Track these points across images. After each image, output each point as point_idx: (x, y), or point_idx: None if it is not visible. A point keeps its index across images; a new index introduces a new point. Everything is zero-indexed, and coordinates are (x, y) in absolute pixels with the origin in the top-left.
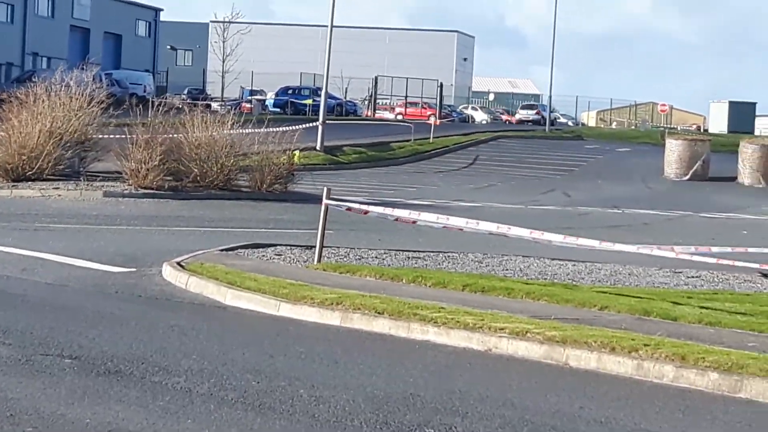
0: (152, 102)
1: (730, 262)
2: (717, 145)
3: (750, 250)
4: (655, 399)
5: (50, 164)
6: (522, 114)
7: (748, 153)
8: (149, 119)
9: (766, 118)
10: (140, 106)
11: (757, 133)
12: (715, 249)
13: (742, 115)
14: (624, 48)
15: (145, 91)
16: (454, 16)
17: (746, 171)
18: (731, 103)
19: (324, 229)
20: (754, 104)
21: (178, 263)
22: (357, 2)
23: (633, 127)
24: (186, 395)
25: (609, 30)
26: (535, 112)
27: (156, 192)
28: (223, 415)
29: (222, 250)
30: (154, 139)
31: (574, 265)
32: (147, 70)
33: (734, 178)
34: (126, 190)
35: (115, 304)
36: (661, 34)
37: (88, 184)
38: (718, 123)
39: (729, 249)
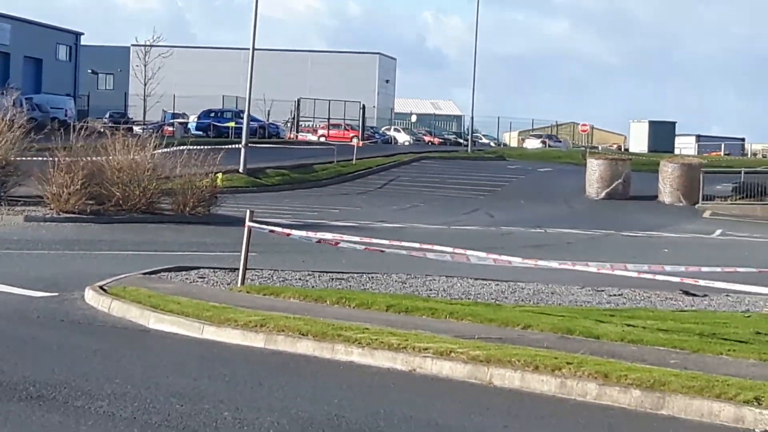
0: (74, 126)
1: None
2: (637, 164)
3: (669, 268)
4: (579, 417)
5: None
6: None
7: (668, 172)
8: (71, 143)
9: (685, 137)
10: (61, 130)
11: (676, 152)
12: (637, 267)
13: (662, 134)
14: (543, 69)
15: (66, 115)
16: (375, 37)
17: (666, 190)
18: (651, 122)
19: (247, 251)
20: (673, 123)
21: (101, 287)
22: (276, 25)
23: (555, 148)
24: (109, 419)
25: (528, 52)
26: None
27: (78, 216)
28: None
29: (145, 274)
30: (76, 163)
31: (498, 284)
32: (68, 94)
33: (655, 197)
34: (48, 214)
35: (37, 328)
36: (579, 55)
37: (9, 209)
38: (639, 142)
39: (653, 267)
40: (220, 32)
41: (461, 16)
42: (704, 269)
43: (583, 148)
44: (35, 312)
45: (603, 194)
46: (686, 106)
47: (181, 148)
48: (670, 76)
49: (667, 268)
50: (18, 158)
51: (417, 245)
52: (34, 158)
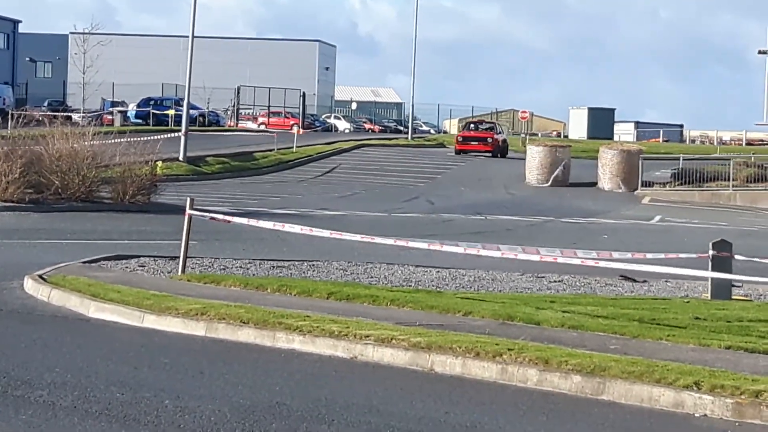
0: (12, 114)
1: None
2: (577, 151)
3: (614, 254)
4: (519, 403)
5: None
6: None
7: (607, 158)
8: (9, 131)
9: (624, 123)
10: (0, 118)
11: (615, 138)
12: (579, 253)
13: (601, 121)
14: (477, 56)
15: (4, 104)
16: (305, 25)
17: (606, 176)
18: (590, 109)
19: (188, 239)
20: (612, 110)
21: (40, 276)
22: (203, 12)
23: None
24: (49, 408)
25: (460, 38)
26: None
27: (17, 205)
28: (87, 427)
29: (84, 263)
30: (14, 152)
31: (438, 271)
32: (6, 83)
33: (594, 184)
34: None
35: None
36: (512, 42)
37: None
38: (578, 129)
39: (594, 254)
40: (146, 19)
41: (388, 2)
42: (649, 255)
43: (522, 135)
44: None
45: (545, 182)
46: (622, 92)
47: (121, 136)
48: (603, 62)
49: (615, 254)
50: None
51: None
52: None
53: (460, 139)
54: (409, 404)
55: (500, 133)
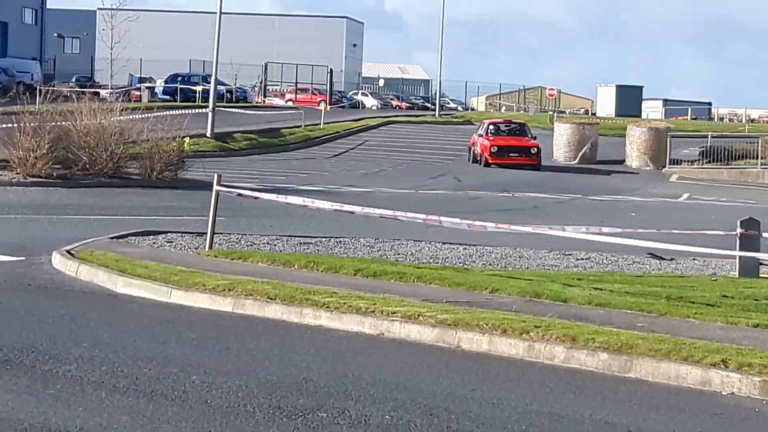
0: (40, 90)
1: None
2: (605, 129)
3: (641, 232)
4: (546, 380)
5: None
6: None
7: (635, 136)
8: (37, 107)
9: (652, 101)
10: (28, 94)
11: (643, 116)
12: (606, 229)
13: (629, 98)
14: (503, 34)
15: (32, 79)
16: (331, 1)
17: (634, 154)
18: (618, 87)
19: (215, 215)
20: (640, 88)
21: (68, 251)
22: None
23: (522, 112)
24: (77, 383)
25: (486, 15)
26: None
27: (45, 180)
28: (114, 402)
29: (112, 238)
30: (43, 127)
31: (465, 248)
32: (34, 58)
33: (622, 161)
34: (14, 178)
35: (4, 293)
36: (538, 19)
37: None
38: (606, 107)
39: (619, 230)
40: None
41: None
42: (676, 233)
43: (550, 113)
44: (1, 276)
45: (573, 159)
46: (649, 70)
47: (148, 112)
48: (630, 40)
49: (642, 232)
50: None
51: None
52: (0, 124)
53: (493, 149)
54: (436, 381)
55: (533, 136)
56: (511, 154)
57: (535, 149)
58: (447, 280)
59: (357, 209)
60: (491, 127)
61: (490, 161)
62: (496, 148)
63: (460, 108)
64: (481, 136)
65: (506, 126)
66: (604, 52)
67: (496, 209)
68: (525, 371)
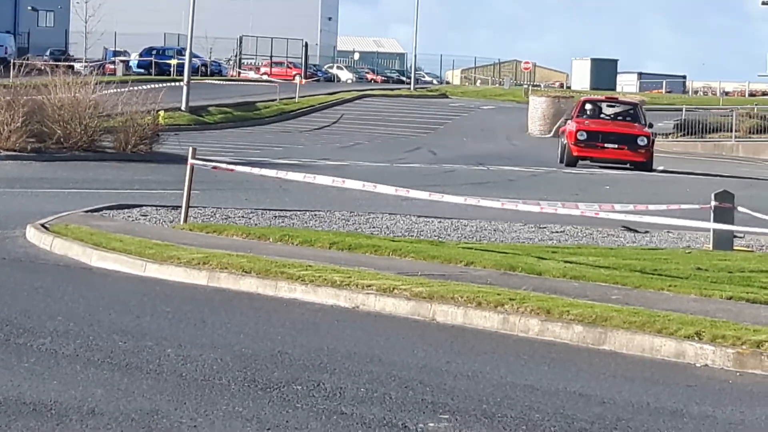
0: (14, 63)
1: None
2: None
3: (616, 206)
4: (521, 352)
5: None
6: None
7: None
8: (11, 81)
9: (627, 74)
10: (1, 67)
11: (618, 89)
12: (581, 205)
13: (604, 72)
14: (478, 6)
15: (6, 53)
16: None
17: None
18: (593, 60)
19: (190, 189)
20: (615, 61)
21: (42, 225)
22: None
23: (497, 85)
24: (51, 356)
25: None
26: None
27: (19, 154)
28: (89, 375)
29: (87, 212)
30: (17, 101)
31: (440, 222)
32: (8, 32)
33: None
34: None
35: None
36: None
37: None
38: (581, 80)
39: (595, 206)
40: None
41: None
42: (651, 207)
43: (525, 86)
44: None
45: (548, 132)
46: (624, 43)
47: (123, 86)
48: (605, 12)
49: (617, 206)
50: None
51: (360, 184)
52: None
53: (580, 136)
54: (411, 353)
55: (649, 123)
56: (607, 145)
57: (645, 140)
58: (422, 253)
59: (327, 180)
60: (588, 106)
61: (575, 154)
62: (584, 134)
63: (435, 81)
64: (569, 120)
65: (611, 106)
66: (580, 26)
67: (471, 182)
68: (500, 344)
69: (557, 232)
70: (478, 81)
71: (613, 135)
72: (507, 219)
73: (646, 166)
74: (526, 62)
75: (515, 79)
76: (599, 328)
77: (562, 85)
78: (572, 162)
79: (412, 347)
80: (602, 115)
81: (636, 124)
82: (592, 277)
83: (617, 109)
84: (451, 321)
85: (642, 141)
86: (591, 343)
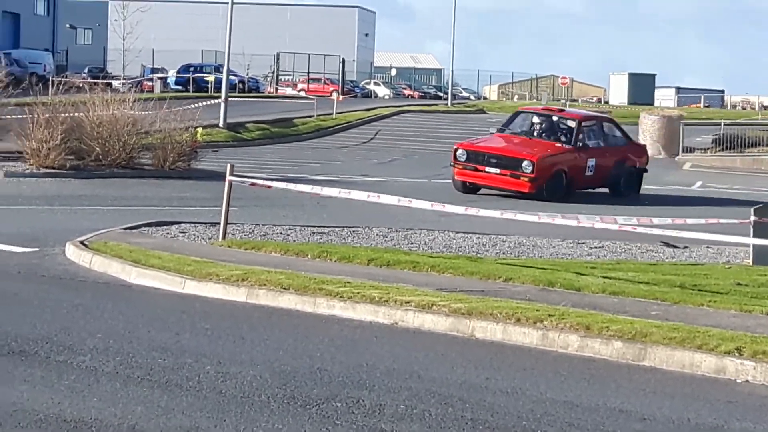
0: (52, 81)
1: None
2: (617, 117)
3: (655, 220)
4: (561, 369)
5: None
6: None
7: (648, 124)
8: (50, 98)
9: (665, 89)
10: (40, 85)
11: (656, 104)
12: (619, 219)
13: (641, 86)
14: (514, 21)
15: (45, 70)
16: None
17: (646, 142)
18: (631, 75)
19: (228, 205)
20: (653, 76)
21: (82, 242)
22: None
23: (535, 101)
24: (91, 374)
25: (497, 3)
26: None
27: (58, 171)
28: (129, 392)
29: (126, 229)
30: (55, 118)
31: (479, 237)
32: (47, 49)
33: None
34: (27, 169)
35: (18, 284)
36: (549, 6)
37: None
38: (619, 95)
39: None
40: None
41: None
42: (690, 221)
43: (563, 101)
44: (16, 267)
45: None
46: (661, 58)
47: (161, 103)
48: (642, 28)
49: (656, 220)
50: None
51: (395, 199)
52: (13, 114)
53: (461, 155)
54: (450, 370)
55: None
56: (489, 170)
57: (531, 166)
58: (461, 269)
59: (363, 195)
60: (518, 119)
61: (457, 178)
62: (465, 154)
63: (472, 97)
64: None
65: (545, 119)
66: (617, 41)
67: (507, 198)
68: (539, 360)
69: (596, 247)
70: (516, 96)
71: (494, 157)
72: (545, 234)
73: (536, 197)
74: (564, 77)
75: (552, 94)
76: (639, 344)
77: (599, 100)
78: (459, 187)
79: (452, 364)
80: (532, 130)
81: (556, 144)
82: (631, 293)
83: (550, 124)
84: (490, 337)
85: (528, 167)
86: (631, 359)
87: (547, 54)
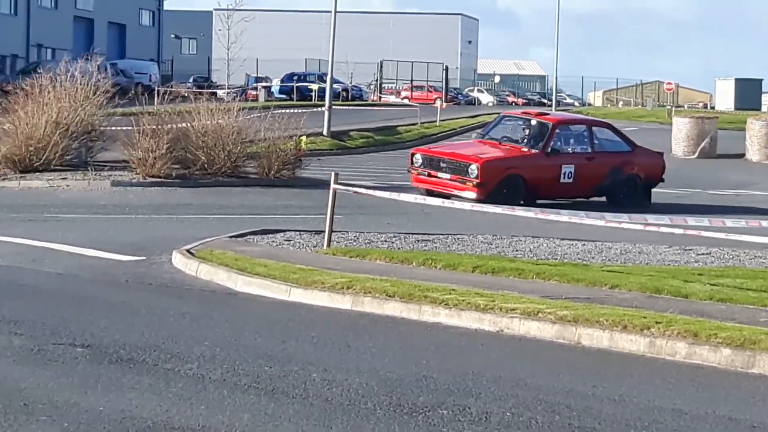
0: (158, 91)
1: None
2: (724, 123)
3: (764, 223)
4: (668, 376)
5: (57, 155)
6: None
7: (755, 130)
8: (155, 108)
9: None
10: (146, 95)
11: (764, 109)
12: (728, 223)
13: (748, 91)
14: (618, 26)
15: (150, 80)
16: None
17: (754, 148)
18: (737, 80)
19: (333, 213)
20: (760, 81)
21: (188, 251)
22: None
23: (639, 107)
24: (199, 381)
25: (600, 9)
26: None
27: (164, 180)
28: (236, 400)
29: (231, 237)
30: (161, 128)
31: (584, 244)
32: (152, 59)
33: (742, 155)
34: (134, 179)
35: (126, 292)
36: (653, 12)
37: (95, 174)
38: (725, 100)
39: (743, 223)
40: None
41: None
42: None
43: (668, 107)
44: (123, 276)
45: (692, 153)
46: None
47: (265, 111)
48: (747, 32)
49: (765, 223)
50: (103, 124)
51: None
52: (119, 124)
53: (416, 160)
54: (557, 377)
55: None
56: (440, 175)
57: (476, 170)
58: (566, 276)
59: (467, 206)
60: (501, 122)
61: (413, 183)
62: (420, 159)
63: (576, 103)
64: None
65: (521, 123)
66: (723, 45)
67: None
68: (646, 367)
69: (703, 254)
70: (620, 102)
71: (445, 161)
72: (651, 241)
73: (486, 202)
74: (669, 83)
75: (658, 100)
76: (748, 352)
77: (705, 106)
78: (423, 194)
79: (558, 371)
80: (510, 135)
81: (522, 149)
82: (739, 300)
83: (527, 129)
84: (596, 344)
85: (473, 171)
86: (739, 366)
87: (652, 60)
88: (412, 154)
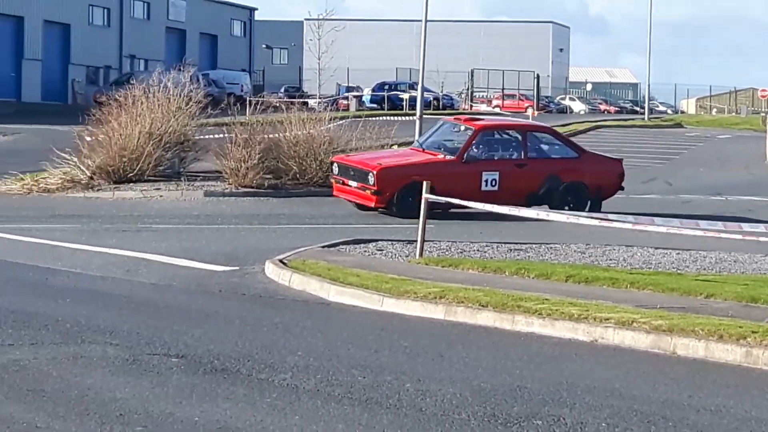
0: (249, 101)
1: None
2: None
3: None
4: (766, 386)
5: (150, 165)
6: None
7: None
8: (247, 118)
9: None
10: (238, 105)
11: None
12: None
13: None
14: (710, 33)
15: (242, 91)
16: (531, 6)
17: None
18: None
19: (425, 223)
20: None
21: (281, 261)
22: None
23: (733, 114)
24: (293, 391)
25: (692, 15)
26: None
27: (256, 190)
28: (330, 410)
29: (323, 247)
30: (253, 138)
31: (678, 253)
32: (243, 70)
33: None
34: (226, 189)
35: (219, 302)
36: (746, 18)
37: (188, 184)
38: None
39: None
40: (371, 2)
41: None
42: None
43: (762, 114)
44: (217, 286)
45: None
46: None
47: (356, 121)
48: None
49: None
50: (195, 134)
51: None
52: (211, 134)
53: (335, 169)
54: (652, 388)
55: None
56: (351, 183)
57: (373, 177)
58: (660, 285)
59: (562, 218)
60: (438, 132)
61: (335, 193)
62: (337, 167)
63: (669, 111)
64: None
65: (452, 129)
66: None
67: (708, 213)
68: (743, 377)
69: None
70: (714, 110)
71: (352, 170)
72: (747, 250)
73: (388, 212)
74: (763, 90)
75: (752, 107)
76: None
77: None
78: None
79: (653, 381)
80: (443, 142)
81: (437, 156)
82: None
83: (455, 135)
84: (692, 354)
85: (371, 179)
86: None
87: (746, 67)
88: (331, 162)
